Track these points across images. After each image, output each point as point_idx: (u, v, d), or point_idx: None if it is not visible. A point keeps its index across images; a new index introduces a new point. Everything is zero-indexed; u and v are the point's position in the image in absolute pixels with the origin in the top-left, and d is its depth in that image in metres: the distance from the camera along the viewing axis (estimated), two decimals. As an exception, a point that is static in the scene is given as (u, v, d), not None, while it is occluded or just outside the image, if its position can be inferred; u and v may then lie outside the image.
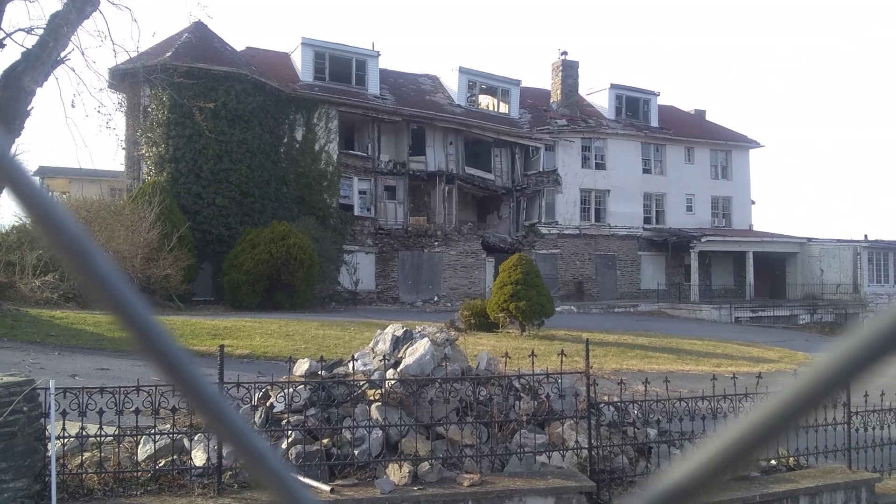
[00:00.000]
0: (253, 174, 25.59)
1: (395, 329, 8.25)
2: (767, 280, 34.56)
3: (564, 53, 35.80)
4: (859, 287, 32.13)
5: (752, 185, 38.88)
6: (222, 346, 6.57)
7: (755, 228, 38.00)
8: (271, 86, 26.56)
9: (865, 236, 34.17)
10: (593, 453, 6.64)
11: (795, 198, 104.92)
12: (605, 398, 7.75)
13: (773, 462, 7.52)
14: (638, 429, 7.34)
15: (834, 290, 32.26)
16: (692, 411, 6.98)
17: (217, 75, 24.69)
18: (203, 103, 20.35)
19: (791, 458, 7.60)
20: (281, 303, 22.15)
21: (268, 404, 7.04)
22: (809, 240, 34.75)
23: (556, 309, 20.30)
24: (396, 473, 6.33)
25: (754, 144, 38.78)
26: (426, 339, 7.88)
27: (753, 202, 39.10)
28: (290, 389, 6.70)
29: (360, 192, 29.16)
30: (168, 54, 23.76)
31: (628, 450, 7.17)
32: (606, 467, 6.81)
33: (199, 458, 6.57)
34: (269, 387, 7.09)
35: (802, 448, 7.43)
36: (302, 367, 7.47)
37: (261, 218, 24.98)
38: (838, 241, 34.04)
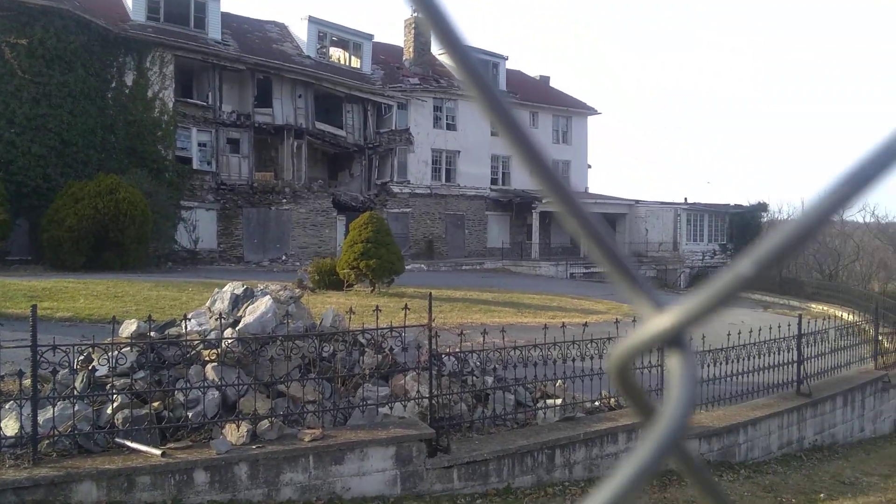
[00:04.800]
0: (76, 121, 23.21)
1: (234, 287, 7.95)
2: (601, 239, 37.06)
3: (417, 11, 35.52)
4: (678, 245, 35.48)
5: (589, 151, 41.34)
6: (35, 307, 5.97)
7: (591, 191, 40.57)
8: (97, 24, 24.02)
9: (685, 199, 37.68)
10: (434, 402, 6.86)
11: (626, 162, 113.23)
12: (448, 350, 8.00)
13: (596, 403, 8.19)
14: (476, 377, 7.68)
15: (657, 248, 35.38)
16: (525, 359, 7.41)
17: (33, 9, 21.92)
18: (15, 39, 18.05)
19: (612, 399, 8.32)
20: (110, 262, 20.51)
21: (90, 368, 6.54)
22: (637, 202, 37.70)
23: (407, 267, 20.53)
24: (234, 433, 6.17)
25: (592, 111, 41.11)
26: (268, 296, 7.66)
27: (590, 166, 41.64)
28: (115, 352, 6.25)
29: (199, 145, 27.39)
30: (-32, -21, 20.69)
31: (467, 397, 7.49)
32: (446, 415, 7.07)
33: (10, 427, 6.02)
34: (91, 349, 6.58)
35: (622, 389, 8.14)
36: (129, 328, 7.00)
37: (85, 170, 22.78)
38: (662, 203, 37.24)
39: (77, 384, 6.23)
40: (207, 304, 7.96)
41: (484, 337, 7.30)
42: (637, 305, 0.39)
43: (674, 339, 0.36)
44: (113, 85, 25.02)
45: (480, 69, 0.39)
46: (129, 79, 25.39)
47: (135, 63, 25.49)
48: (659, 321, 0.36)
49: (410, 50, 35.37)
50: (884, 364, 12.37)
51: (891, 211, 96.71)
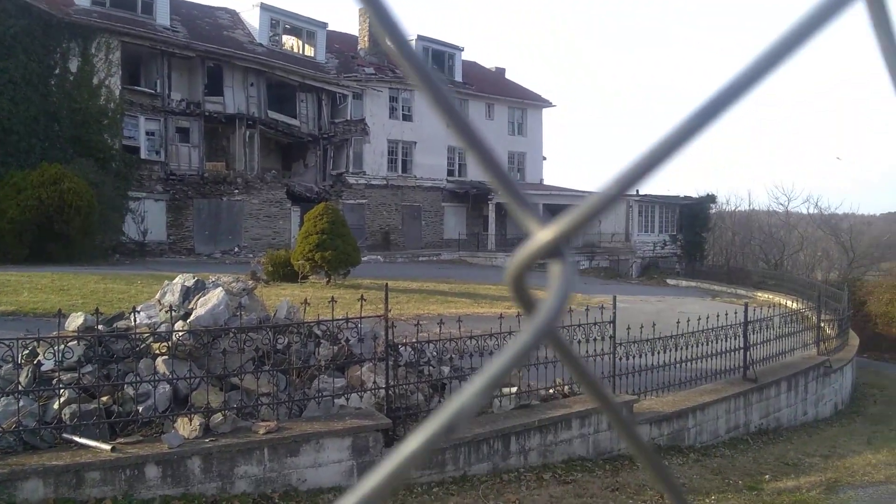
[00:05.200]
0: (16, 108, 22.34)
1: (184, 279, 7.79)
2: (556, 230, 37.49)
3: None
4: (630, 236, 36.16)
5: (544, 142, 41.72)
6: (-27, 300, 5.76)
7: (545, 182, 40.98)
8: (39, 8, 23.13)
9: (637, 191, 38.37)
10: (390, 392, 6.86)
11: (580, 154, 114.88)
12: (404, 340, 8.00)
13: (551, 391, 8.31)
14: (433, 367, 7.70)
15: (609, 239, 35.98)
16: (482, 348, 7.47)
17: (-34, -10, 21.02)
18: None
19: (566, 387, 8.46)
20: (54, 255, 19.86)
21: (35, 362, 6.34)
22: (591, 194, 38.22)
23: (363, 259, 20.42)
24: (186, 427, 6.06)
25: (547, 104, 41.49)
26: (220, 288, 7.53)
27: (545, 158, 42.08)
28: (62, 346, 6.06)
29: (147, 133, 26.64)
30: None
31: (424, 387, 7.51)
32: (403, 405, 7.09)
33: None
34: (35, 343, 6.37)
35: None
36: (76, 321, 6.80)
37: (28, 159, 21.97)
38: (615, 195, 37.81)
39: (22, 379, 6.02)
40: (157, 296, 7.79)
41: (440, 327, 7.33)
42: (524, 222, 0.44)
43: (554, 250, 0.41)
44: (56, 71, 24.15)
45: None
46: (73, 65, 24.53)
47: (79, 49, 24.63)
48: (542, 235, 0.42)
49: (365, 39, 35.06)
50: (826, 350, 12.87)
51: (833, 203, 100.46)
